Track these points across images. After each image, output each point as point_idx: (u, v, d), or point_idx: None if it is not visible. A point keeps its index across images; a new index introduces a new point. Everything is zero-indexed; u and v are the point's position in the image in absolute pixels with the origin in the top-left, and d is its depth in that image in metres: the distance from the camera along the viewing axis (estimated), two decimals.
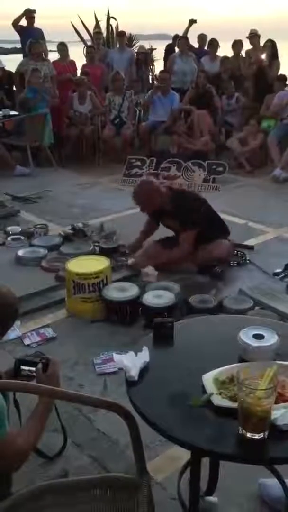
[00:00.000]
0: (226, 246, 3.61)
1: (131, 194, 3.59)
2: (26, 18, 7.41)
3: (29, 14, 7.37)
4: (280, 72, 7.11)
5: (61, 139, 6.90)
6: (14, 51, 8.75)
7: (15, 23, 7.43)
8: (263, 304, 3.12)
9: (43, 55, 7.22)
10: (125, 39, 8.29)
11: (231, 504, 1.84)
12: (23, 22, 7.47)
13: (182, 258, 3.57)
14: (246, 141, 6.54)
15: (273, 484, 1.77)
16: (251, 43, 7.56)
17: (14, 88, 7.42)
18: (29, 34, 7.34)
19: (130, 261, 3.65)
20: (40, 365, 1.58)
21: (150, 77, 8.19)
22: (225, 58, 7.49)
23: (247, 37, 7.62)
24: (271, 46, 7.30)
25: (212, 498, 1.80)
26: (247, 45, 7.65)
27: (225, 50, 7.93)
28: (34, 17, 7.48)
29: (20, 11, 7.55)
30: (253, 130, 6.55)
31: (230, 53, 7.72)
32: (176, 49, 7.67)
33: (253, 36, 7.54)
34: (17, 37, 7.74)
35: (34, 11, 7.44)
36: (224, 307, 3.06)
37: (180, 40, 7.58)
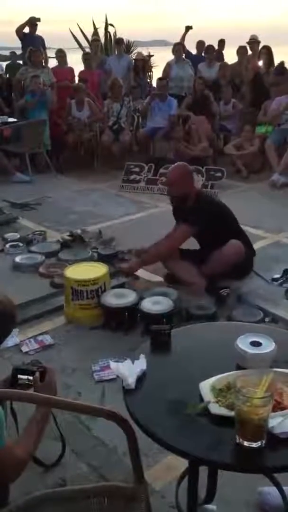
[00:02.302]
0: (236, 245, 3.38)
1: (166, 174, 3.58)
2: (29, 26, 7.46)
3: (34, 22, 7.42)
4: None
5: (59, 146, 6.92)
6: (11, 57, 8.79)
7: (19, 30, 7.48)
8: (263, 311, 3.11)
9: (43, 63, 7.27)
10: (123, 46, 8.33)
11: None
12: (26, 29, 7.52)
13: (168, 251, 3.45)
14: (243, 147, 6.56)
15: (272, 492, 1.77)
16: (251, 49, 7.62)
17: (13, 96, 7.45)
18: (31, 41, 7.39)
19: (123, 264, 3.61)
20: (37, 374, 1.58)
21: (148, 83, 8.24)
22: (224, 64, 7.53)
23: (247, 43, 7.67)
24: (267, 53, 7.35)
25: (211, 506, 1.79)
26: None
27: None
28: (37, 25, 7.53)
29: (18, 17, 7.62)
30: (248, 136, 6.56)
31: (227, 58, 7.78)
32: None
33: (253, 42, 7.59)
34: (15, 43, 7.79)
35: (38, 20, 7.49)
36: (232, 319, 2.99)
37: (176, 46, 7.63)
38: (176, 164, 3.58)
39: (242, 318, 2.97)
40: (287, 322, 3.04)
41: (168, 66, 7.53)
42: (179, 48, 7.61)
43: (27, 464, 1.42)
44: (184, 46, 7.80)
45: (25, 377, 1.64)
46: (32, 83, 6.65)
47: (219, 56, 8.02)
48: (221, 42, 8.24)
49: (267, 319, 3.05)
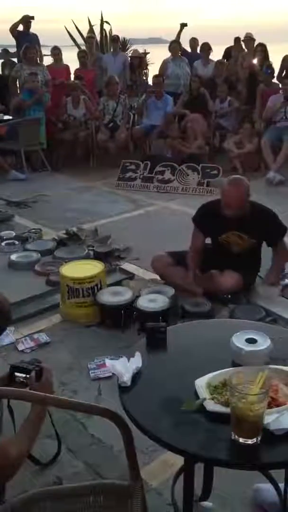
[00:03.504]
0: (235, 279, 3.14)
1: (223, 192, 3.03)
2: (22, 24, 7.43)
3: (27, 20, 7.40)
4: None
5: (55, 144, 6.91)
6: (2, 55, 8.76)
7: (13, 29, 7.45)
8: (265, 310, 3.10)
9: (38, 60, 7.24)
10: (119, 44, 8.31)
11: (226, 509, 1.83)
12: (19, 27, 7.49)
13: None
14: (242, 144, 6.55)
15: (268, 489, 1.77)
16: (246, 46, 7.61)
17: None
18: (25, 39, 7.36)
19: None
20: (33, 373, 1.58)
21: (144, 81, 8.22)
22: (220, 62, 7.52)
23: (242, 40, 7.67)
24: (262, 50, 7.35)
25: (207, 503, 1.79)
26: None
27: (218, 54, 7.98)
28: (30, 23, 7.51)
29: (13, 15, 7.60)
30: (248, 133, 6.56)
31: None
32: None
33: (249, 39, 7.58)
34: (9, 41, 7.77)
35: (32, 18, 7.47)
36: (234, 317, 2.93)
37: (172, 44, 7.62)
38: (233, 181, 3.04)
39: (244, 316, 2.90)
40: (283, 319, 3.04)
41: (165, 64, 7.51)
42: (175, 45, 7.59)
43: (21, 464, 1.42)
44: (180, 44, 7.79)
45: (22, 375, 1.64)
46: (30, 80, 6.63)
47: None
48: (237, 40, 8.10)
49: (268, 318, 3.01)
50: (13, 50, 8.18)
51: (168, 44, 7.81)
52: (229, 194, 3.00)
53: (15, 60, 8.05)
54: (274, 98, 6.47)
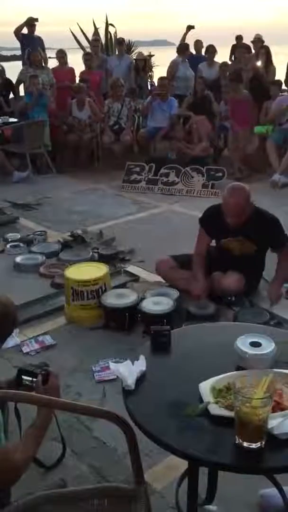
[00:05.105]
0: (237, 280, 3.16)
1: (223, 200, 3.04)
2: (27, 26, 7.46)
3: (31, 22, 7.42)
4: (276, 76, 7.17)
5: (59, 146, 6.92)
6: (14, 58, 8.77)
7: (17, 31, 7.48)
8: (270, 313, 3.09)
9: (42, 63, 7.27)
10: (124, 47, 8.33)
11: None
12: (24, 30, 7.52)
13: None
14: (239, 147, 6.53)
15: (273, 493, 1.76)
16: (254, 47, 7.60)
17: (12, 96, 7.46)
18: (29, 42, 7.39)
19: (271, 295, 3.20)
20: (39, 378, 1.58)
21: (149, 83, 8.24)
22: (225, 64, 7.52)
23: (251, 41, 7.67)
24: (266, 52, 7.34)
25: (211, 507, 1.79)
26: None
27: (223, 56, 7.99)
28: (35, 25, 7.53)
29: (19, 18, 7.62)
30: (243, 135, 6.52)
31: (227, 58, 7.76)
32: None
33: (258, 41, 7.58)
34: (16, 44, 7.79)
35: (36, 20, 7.50)
36: (238, 320, 2.91)
37: (183, 45, 7.62)
38: (234, 190, 3.01)
39: (248, 319, 2.87)
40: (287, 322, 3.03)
41: (175, 66, 7.49)
42: (186, 47, 7.58)
43: (27, 468, 1.41)
44: (189, 46, 7.79)
45: (29, 378, 1.64)
46: (30, 83, 6.66)
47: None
48: (239, 38, 8.05)
49: (272, 322, 2.99)
50: (14, 52, 8.16)
51: (172, 47, 7.81)
52: (228, 203, 3.01)
53: (3, 64, 8.01)
54: (280, 100, 6.47)
